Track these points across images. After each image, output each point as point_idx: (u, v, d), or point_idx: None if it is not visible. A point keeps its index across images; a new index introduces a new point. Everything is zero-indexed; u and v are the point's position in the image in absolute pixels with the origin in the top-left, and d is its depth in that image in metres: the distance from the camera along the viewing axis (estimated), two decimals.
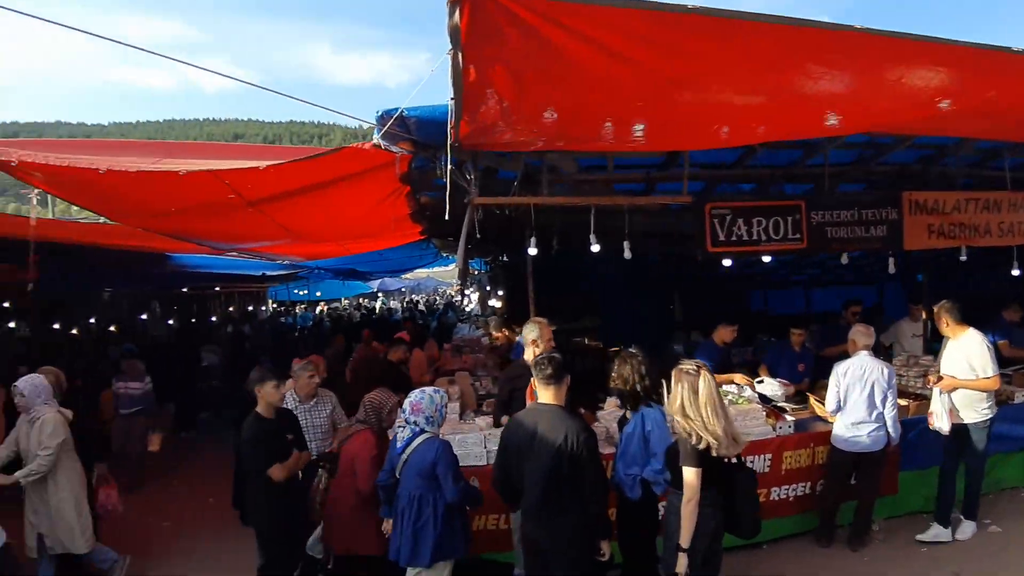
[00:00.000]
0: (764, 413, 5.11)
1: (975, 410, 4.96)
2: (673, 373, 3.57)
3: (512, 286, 11.11)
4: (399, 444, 3.91)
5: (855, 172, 6.02)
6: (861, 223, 5.63)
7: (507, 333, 6.85)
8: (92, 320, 16.58)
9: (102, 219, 7.39)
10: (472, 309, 21.82)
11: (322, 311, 28.58)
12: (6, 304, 12.87)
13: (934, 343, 6.38)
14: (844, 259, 5.77)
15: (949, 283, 12.83)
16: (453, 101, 3.29)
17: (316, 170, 4.57)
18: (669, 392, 3.61)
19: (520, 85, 3.22)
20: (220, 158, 4.36)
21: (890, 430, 4.89)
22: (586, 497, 3.44)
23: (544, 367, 3.57)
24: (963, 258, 6.08)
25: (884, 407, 4.88)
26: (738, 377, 5.94)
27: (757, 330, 11.93)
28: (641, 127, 4.13)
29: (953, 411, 4.93)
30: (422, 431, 3.88)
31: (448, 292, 43.07)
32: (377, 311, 27.24)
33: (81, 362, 10.54)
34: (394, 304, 37.02)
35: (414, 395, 3.97)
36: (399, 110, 4.05)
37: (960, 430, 5.00)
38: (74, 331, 15.30)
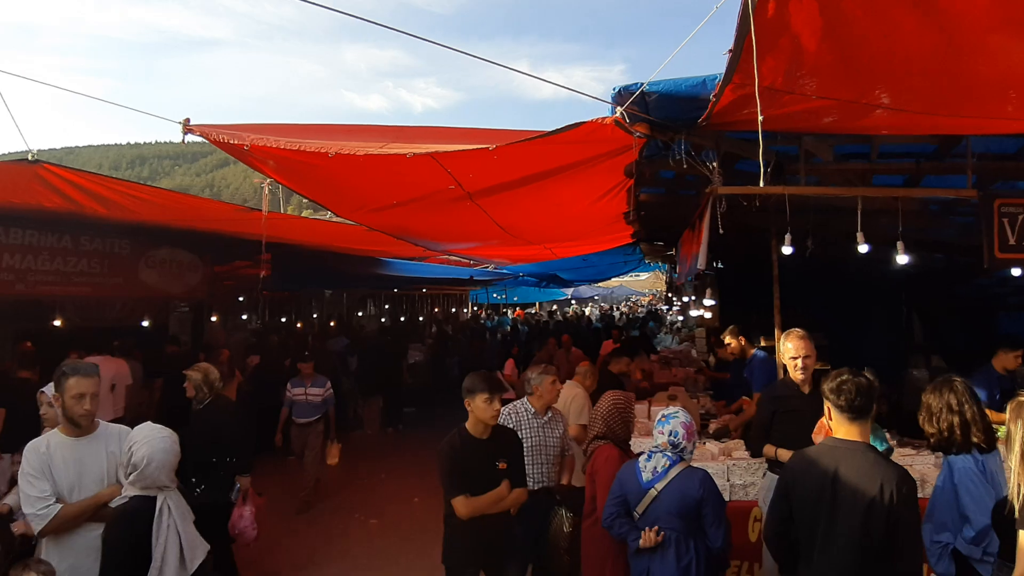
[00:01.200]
0: None
1: None
2: (1009, 408, 2.62)
3: (727, 295, 10.04)
4: (647, 475, 3.25)
5: None
6: None
7: (742, 342, 6.07)
8: (315, 316, 18.13)
9: (327, 215, 7.64)
10: (671, 320, 20.66)
11: (516, 317, 29.01)
12: (241, 298, 14.13)
13: None
14: None
15: None
16: (731, 53, 2.61)
17: (544, 154, 4.13)
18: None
19: (832, 31, 2.45)
20: (449, 141, 4.06)
21: None
22: (899, 570, 2.57)
23: (849, 392, 2.70)
24: None
25: None
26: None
27: None
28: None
29: None
30: (679, 459, 3.22)
31: (645, 301, 41.92)
32: (571, 318, 26.91)
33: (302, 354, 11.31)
34: (588, 311, 36.72)
35: (681, 415, 3.29)
36: (641, 85, 3.46)
37: None
38: (298, 324, 16.79)
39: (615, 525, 3.31)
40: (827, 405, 2.79)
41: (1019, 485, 2.42)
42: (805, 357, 3.92)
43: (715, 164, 4.16)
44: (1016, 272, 4.69)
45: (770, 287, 5.83)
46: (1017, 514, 2.39)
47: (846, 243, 8.07)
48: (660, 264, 15.41)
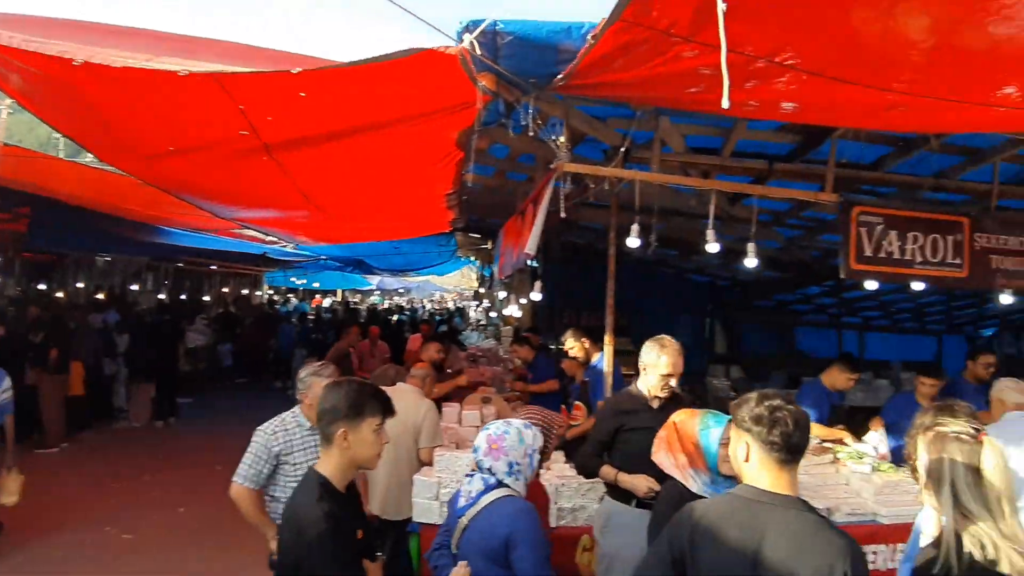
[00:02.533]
0: None
1: None
2: (927, 437, 1.98)
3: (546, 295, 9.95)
4: (462, 500, 2.51)
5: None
6: None
7: (585, 344, 5.60)
8: (82, 285, 15.46)
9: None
10: (476, 317, 20.54)
11: (319, 305, 27.28)
12: None
13: None
14: (1007, 299, 4.55)
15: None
16: None
17: (364, 102, 3.39)
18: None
19: None
20: (245, 61, 3.16)
21: None
22: None
23: (785, 424, 1.91)
24: None
25: None
26: (840, 433, 4.81)
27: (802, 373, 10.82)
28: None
29: None
30: (498, 484, 2.46)
31: (450, 299, 41.78)
32: (373, 308, 25.85)
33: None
34: (390, 304, 35.71)
35: (495, 427, 2.55)
36: (494, 24, 2.88)
37: None
38: (59, 294, 14.22)
39: (432, 558, 2.68)
40: (738, 439, 2.03)
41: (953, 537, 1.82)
42: (677, 375, 3.43)
43: (562, 139, 3.73)
44: (872, 285, 4.65)
45: (593, 286, 5.58)
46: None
47: (662, 247, 8.25)
48: (471, 259, 15.05)
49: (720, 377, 10.56)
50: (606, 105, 4.04)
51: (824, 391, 4.97)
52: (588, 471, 3.53)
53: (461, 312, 24.70)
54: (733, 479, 2.25)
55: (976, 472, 1.88)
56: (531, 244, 3.70)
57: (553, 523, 3.57)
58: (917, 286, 4.42)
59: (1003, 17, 2.05)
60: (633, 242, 4.06)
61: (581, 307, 10.50)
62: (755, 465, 1.97)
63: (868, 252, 4.14)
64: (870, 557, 3.53)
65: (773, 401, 1.97)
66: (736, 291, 11.03)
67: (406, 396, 4.13)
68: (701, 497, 2.41)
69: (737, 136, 4.36)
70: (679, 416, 2.88)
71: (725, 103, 1.77)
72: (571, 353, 5.50)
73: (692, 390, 10.43)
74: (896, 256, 4.17)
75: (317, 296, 30.74)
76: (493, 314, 16.03)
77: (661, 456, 2.85)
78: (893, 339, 11.86)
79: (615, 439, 3.39)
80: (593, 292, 9.69)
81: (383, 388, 2.46)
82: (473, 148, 4.69)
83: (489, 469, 2.49)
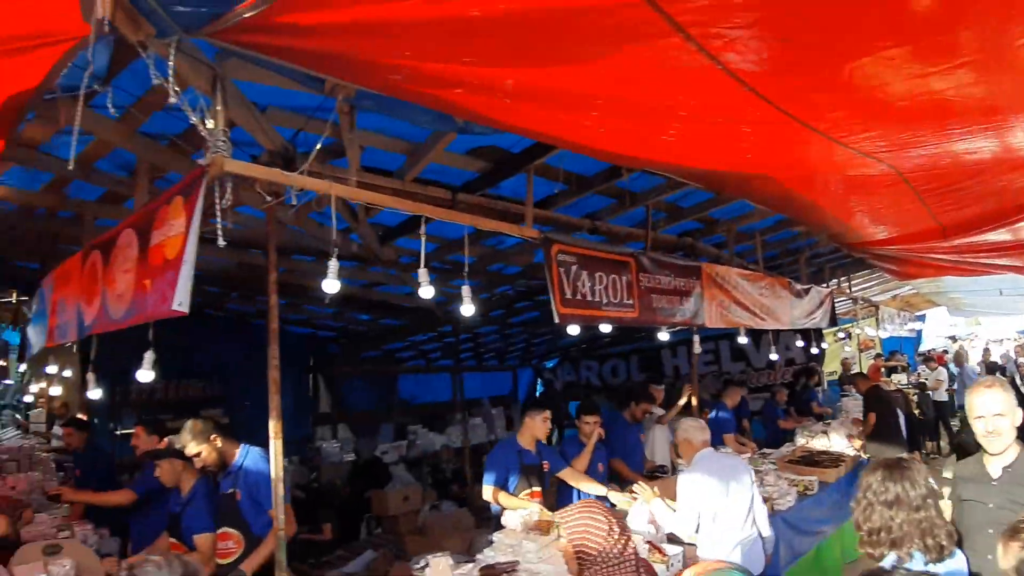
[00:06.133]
0: (647, 548, 3.55)
1: None
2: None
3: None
4: None
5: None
6: (676, 293, 4.78)
7: (217, 443, 3.44)
8: None
9: None
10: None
11: None
12: None
13: None
14: (664, 335, 4.76)
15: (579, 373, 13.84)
16: None
17: None
18: None
19: None
20: None
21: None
22: None
23: None
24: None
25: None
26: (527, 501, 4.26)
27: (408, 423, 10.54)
28: None
29: None
30: None
31: None
32: None
33: None
34: None
35: None
36: None
37: None
38: None
39: None
40: None
41: None
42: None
43: (218, 122, 2.34)
44: (574, 330, 4.23)
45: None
46: None
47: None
48: None
49: (328, 440, 9.51)
50: (272, 88, 2.82)
51: (515, 449, 4.36)
52: None
53: None
54: None
55: None
56: (180, 290, 2.18)
57: None
58: (605, 328, 4.30)
59: None
60: (332, 285, 2.82)
61: (167, 377, 8.09)
62: None
63: (568, 294, 3.78)
64: None
65: None
66: (340, 343, 10.17)
67: None
68: None
69: (430, 157, 3.54)
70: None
71: None
72: (199, 460, 3.46)
73: (303, 461, 9.15)
74: (589, 298, 3.91)
75: None
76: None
77: None
78: (478, 377, 12.50)
79: None
80: (172, 356, 7.63)
81: None
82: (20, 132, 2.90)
83: None
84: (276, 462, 2.88)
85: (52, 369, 7.86)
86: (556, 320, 3.66)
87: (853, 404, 8.76)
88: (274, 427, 2.90)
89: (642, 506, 3.96)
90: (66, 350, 6.18)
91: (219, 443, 3.42)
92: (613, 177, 4.30)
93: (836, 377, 12.72)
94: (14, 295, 7.59)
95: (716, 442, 5.73)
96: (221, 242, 2.29)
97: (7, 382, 10.05)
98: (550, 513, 3.74)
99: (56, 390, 8.16)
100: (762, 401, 9.39)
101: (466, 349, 11.38)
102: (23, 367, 9.33)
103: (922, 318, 16.56)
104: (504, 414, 11.68)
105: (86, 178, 3.81)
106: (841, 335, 13.00)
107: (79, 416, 6.65)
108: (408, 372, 11.52)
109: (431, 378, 11.87)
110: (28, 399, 8.86)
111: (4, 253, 5.85)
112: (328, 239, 4.25)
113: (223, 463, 3.44)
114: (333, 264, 2.85)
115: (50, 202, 4.41)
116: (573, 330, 4.49)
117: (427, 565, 3.34)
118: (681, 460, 4.24)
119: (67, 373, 7.57)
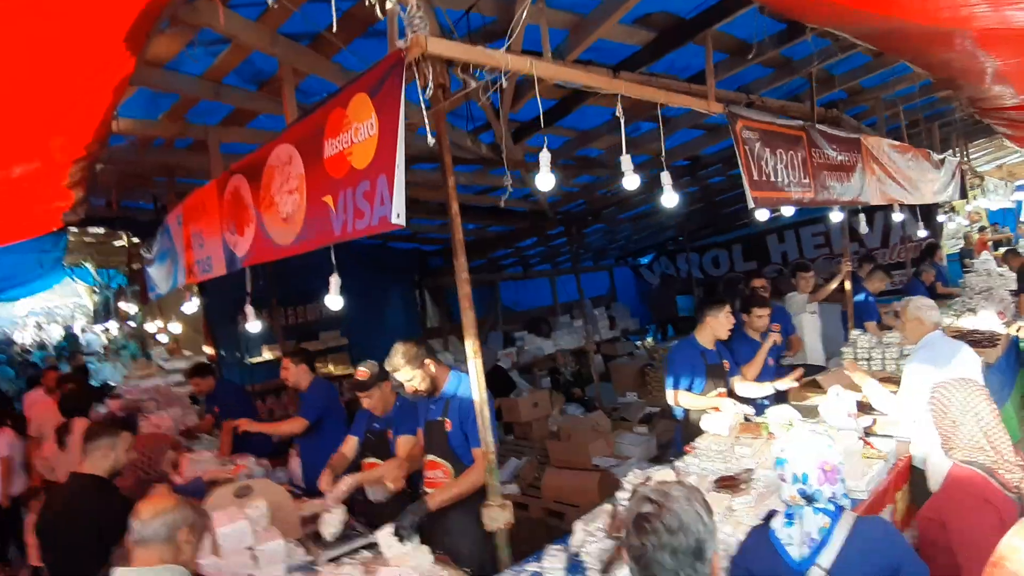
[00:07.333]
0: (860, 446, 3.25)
1: None
2: None
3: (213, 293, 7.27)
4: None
5: None
6: (842, 169, 4.23)
7: (430, 367, 3.12)
8: None
9: None
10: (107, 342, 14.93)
11: None
12: None
13: None
14: (836, 216, 4.26)
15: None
16: None
17: None
18: None
19: None
20: None
21: None
22: None
23: None
24: None
25: None
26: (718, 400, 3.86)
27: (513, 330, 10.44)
28: None
29: None
30: (839, 512, 1.98)
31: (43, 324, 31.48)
32: None
33: None
34: None
35: (816, 446, 2.03)
36: None
37: None
38: None
39: None
40: None
41: None
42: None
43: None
44: (762, 216, 3.84)
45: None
46: None
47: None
48: (85, 267, 10.46)
49: (442, 352, 9.55)
50: None
51: (697, 350, 4.01)
52: None
53: (71, 339, 17.89)
54: None
55: None
56: (397, 201, 1.90)
57: None
58: (787, 211, 3.87)
59: None
60: (548, 180, 2.48)
61: (285, 303, 8.05)
62: None
63: (755, 174, 3.33)
64: None
65: None
66: (444, 255, 10.03)
67: None
68: None
69: (602, 30, 3.07)
70: None
71: None
72: (410, 386, 3.27)
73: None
74: (772, 178, 3.48)
75: None
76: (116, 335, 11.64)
77: None
78: (574, 280, 12.22)
79: None
80: (290, 280, 7.54)
81: None
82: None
83: (830, 498, 2.01)
84: (479, 382, 2.68)
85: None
86: (750, 205, 3.26)
87: (977, 280, 8.12)
88: (472, 346, 2.67)
89: (837, 398, 3.59)
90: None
91: (432, 368, 3.19)
92: (781, 44, 3.76)
93: (956, 251, 11.86)
94: (125, 238, 7.57)
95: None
96: (431, 140, 1.96)
97: (130, 323, 10.34)
98: (755, 415, 3.48)
99: (175, 327, 8.33)
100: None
101: (564, 252, 11.09)
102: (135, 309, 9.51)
103: (1022, 187, 15.40)
104: (606, 314, 11.46)
105: (215, 96, 3.53)
106: (947, 209, 12.09)
107: (200, 362, 6.71)
108: (508, 279, 11.36)
109: (528, 284, 11.73)
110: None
111: (120, 192, 5.76)
112: (460, 143, 3.92)
113: (433, 390, 3.21)
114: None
115: (171, 131, 4.18)
116: (762, 214, 3.82)
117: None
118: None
119: (187, 308, 7.38)
